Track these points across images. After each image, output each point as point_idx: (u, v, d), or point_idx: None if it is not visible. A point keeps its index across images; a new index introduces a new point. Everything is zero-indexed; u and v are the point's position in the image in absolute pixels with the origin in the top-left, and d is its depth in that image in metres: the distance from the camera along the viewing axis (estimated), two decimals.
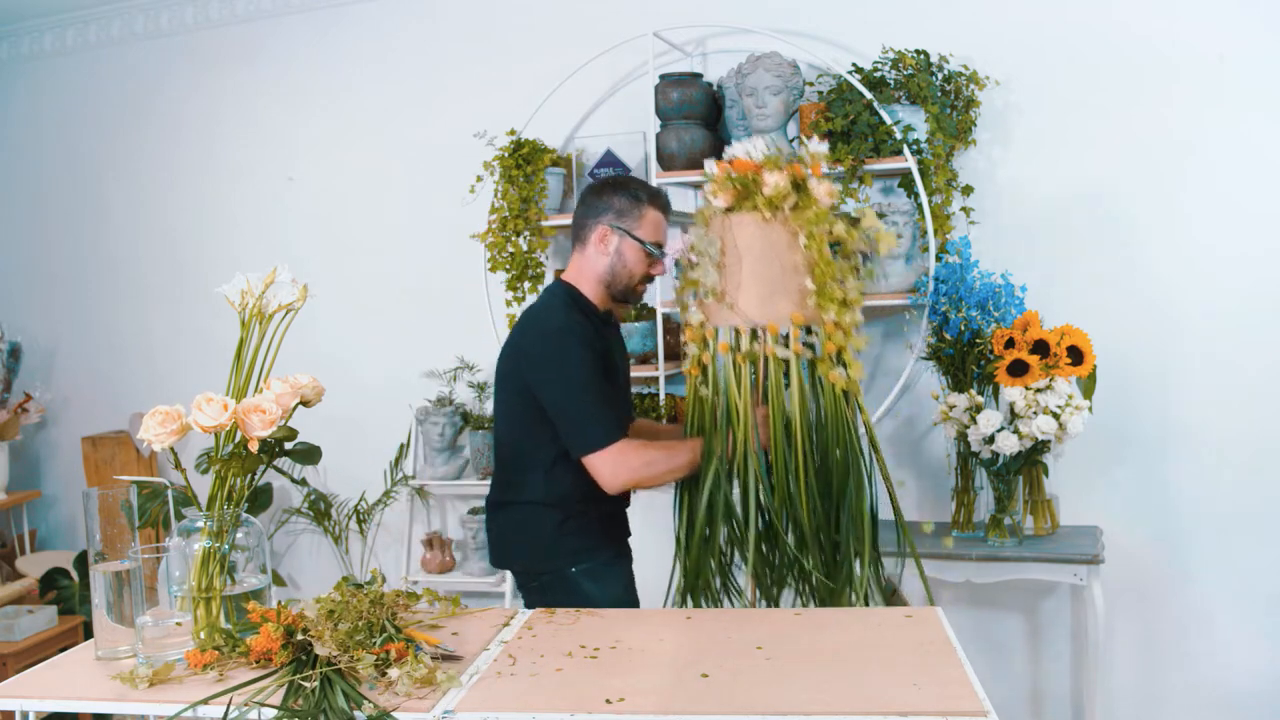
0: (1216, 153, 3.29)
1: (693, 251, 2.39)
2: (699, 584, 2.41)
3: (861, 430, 2.39)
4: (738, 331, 2.33)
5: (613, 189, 2.59)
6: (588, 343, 2.47)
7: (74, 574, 4.37)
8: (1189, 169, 3.32)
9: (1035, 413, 3.01)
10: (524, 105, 3.77)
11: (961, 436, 3.15)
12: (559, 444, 2.47)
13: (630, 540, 2.75)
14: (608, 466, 2.39)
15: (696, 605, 2.44)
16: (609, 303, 2.64)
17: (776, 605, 2.44)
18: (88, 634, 2.98)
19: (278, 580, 4.30)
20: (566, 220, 3.38)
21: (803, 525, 2.30)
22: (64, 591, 4.32)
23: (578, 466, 2.44)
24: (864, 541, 2.31)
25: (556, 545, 2.54)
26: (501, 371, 2.60)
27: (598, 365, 2.47)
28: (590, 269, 2.59)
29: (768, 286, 2.30)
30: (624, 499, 2.64)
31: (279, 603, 1.90)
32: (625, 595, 2.61)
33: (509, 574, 3.85)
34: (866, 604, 2.27)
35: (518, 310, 3.76)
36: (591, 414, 2.42)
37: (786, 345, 2.31)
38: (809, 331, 2.33)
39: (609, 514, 2.63)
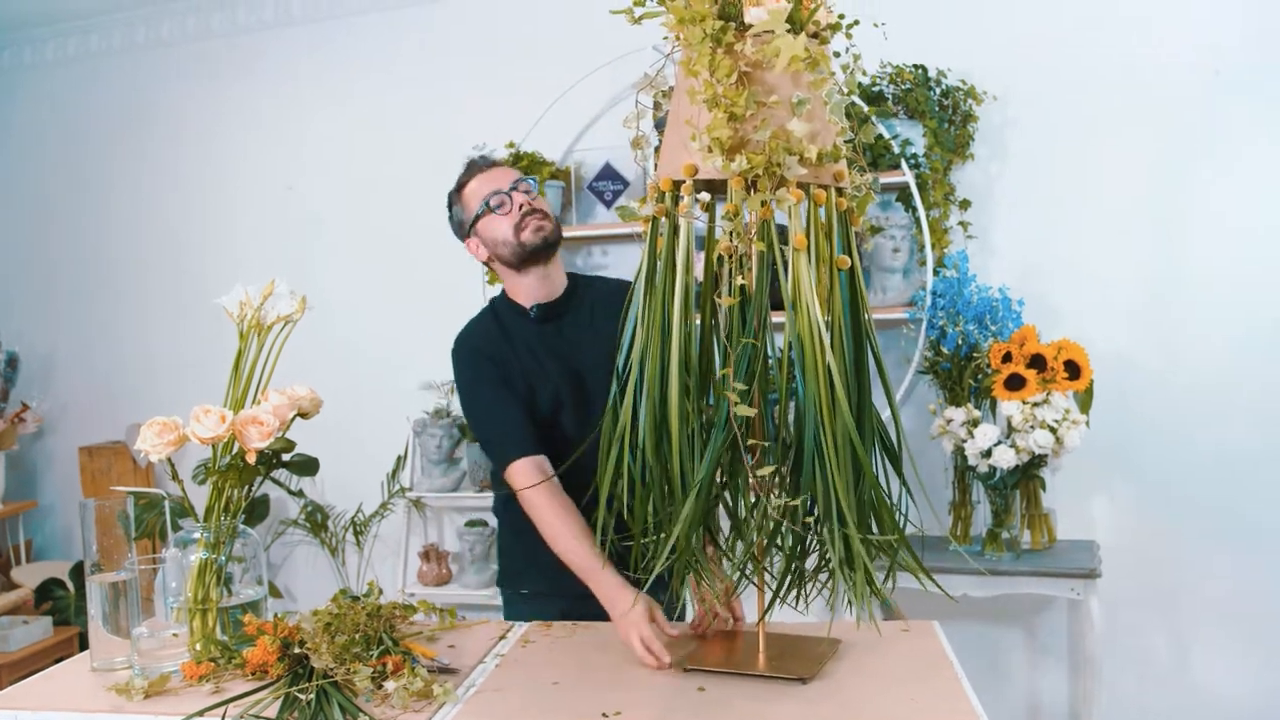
0: (1213, 167, 3.31)
1: None
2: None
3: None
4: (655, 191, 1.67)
5: (448, 211, 2.38)
6: (481, 352, 2.26)
7: (70, 585, 4.36)
8: (1186, 183, 3.34)
9: (1032, 427, 3.02)
10: (524, 117, 3.78)
11: (959, 450, 3.15)
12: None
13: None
14: (512, 486, 2.16)
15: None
16: (544, 289, 2.29)
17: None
18: (83, 645, 2.97)
19: (274, 592, 4.29)
20: (566, 233, 3.38)
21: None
22: (60, 602, 4.31)
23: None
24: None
25: (500, 562, 2.44)
26: None
27: (489, 376, 2.23)
28: (499, 274, 2.36)
29: (676, 133, 1.66)
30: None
31: (275, 615, 1.90)
32: None
33: None
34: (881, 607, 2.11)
35: None
36: (484, 435, 2.25)
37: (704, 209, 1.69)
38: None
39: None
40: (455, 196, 2.33)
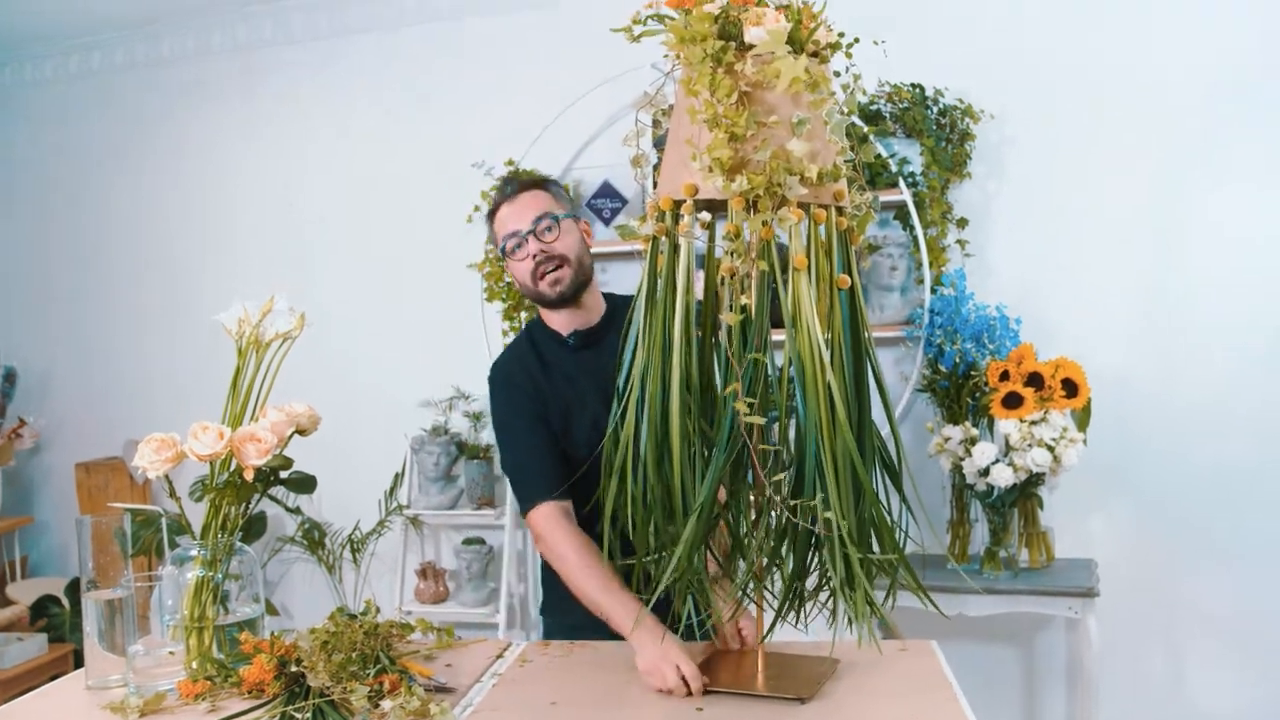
0: (1210, 185, 3.32)
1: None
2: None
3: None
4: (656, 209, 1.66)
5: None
6: (517, 386, 2.20)
7: (65, 601, 4.35)
8: (1183, 201, 3.35)
9: (1030, 445, 3.02)
10: (523, 135, 3.80)
11: (957, 469, 3.15)
12: None
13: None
14: (534, 532, 2.14)
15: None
16: (579, 318, 2.24)
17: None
18: (78, 662, 2.96)
19: (271, 610, 4.27)
20: None
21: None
22: (55, 619, 4.29)
23: None
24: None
25: (543, 591, 2.36)
26: None
27: (524, 410, 2.18)
28: None
29: (676, 152, 1.66)
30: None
31: (272, 633, 1.89)
32: None
33: (502, 605, 3.84)
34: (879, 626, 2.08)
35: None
36: (514, 470, 2.20)
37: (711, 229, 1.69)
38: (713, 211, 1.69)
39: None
40: (489, 219, 2.27)
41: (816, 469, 1.53)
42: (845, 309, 1.61)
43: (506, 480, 3.91)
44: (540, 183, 2.24)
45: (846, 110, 1.58)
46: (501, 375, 2.25)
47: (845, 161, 1.62)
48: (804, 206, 1.56)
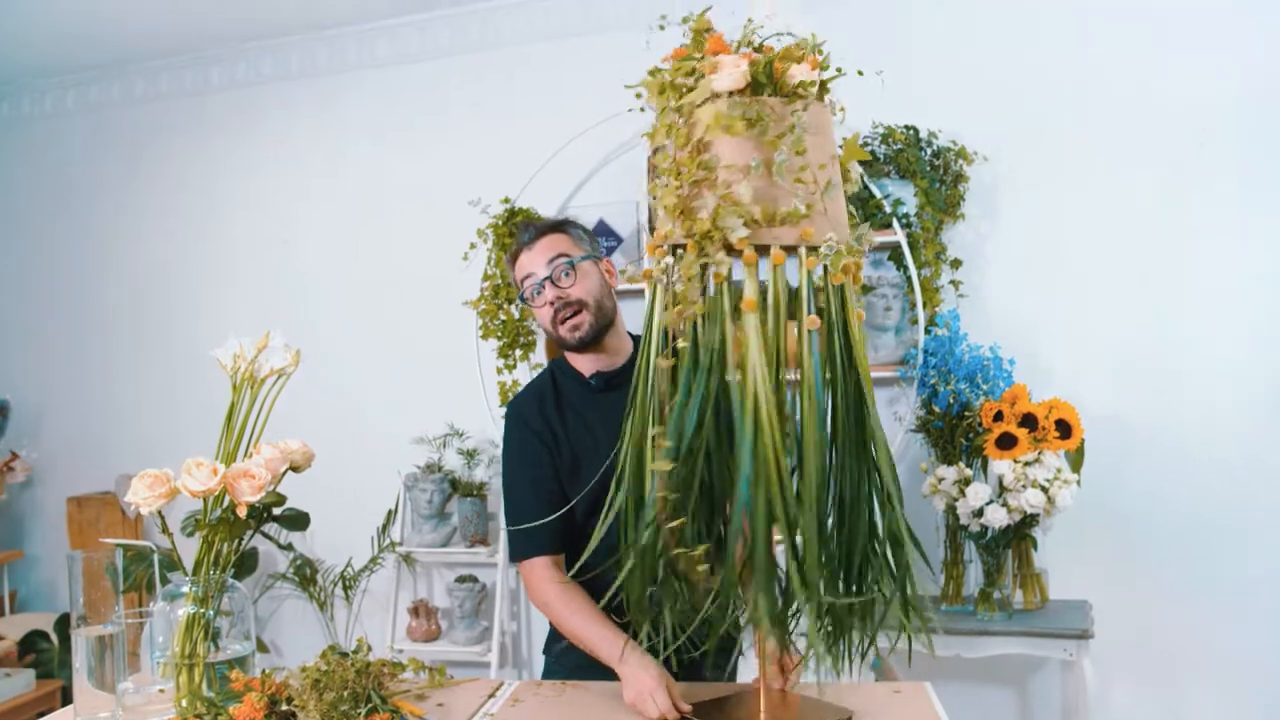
0: (1203, 226, 3.35)
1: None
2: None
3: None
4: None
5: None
6: (531, 429, 2.18)
7: (54, 637, 4.31)
8: (1176, 242, 3.37)
9: (1024, 486, 3.02)
10: (518, 173, 3.81)
11: (950, 509, 3.15)
12: None
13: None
14: (524, 580, 2.16)
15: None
16: (603, 360, 2.21)
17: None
18: (66, 699, 2.94)
19: (261, 647, 4.25)
20: None
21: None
22: (43, 655, 4.26)
23: None
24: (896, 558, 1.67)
25: (537, 628, 2.39)
26: None
27: (531, 457, 2.16)
28: None
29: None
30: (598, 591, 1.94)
31: (263, 670, 1.88)
32: None
33: (495, 643, 3.82)
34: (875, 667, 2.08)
35: (508, 378, 3.78)
36: (511, 516, 2.17)
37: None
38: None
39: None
40: (510, 264, 2.24)
41: (750, 512, 1.50)
42: (842, 351, 1.59)
43: (500, 518, 3.92)
44: (558, 225, 2.21)
45: (797, 150, 1.57)
46: (516, 413, 2.22)
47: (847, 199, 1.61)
48: (764, 248, 1.55)
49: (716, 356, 1.54)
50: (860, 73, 1.76)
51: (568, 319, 2.13)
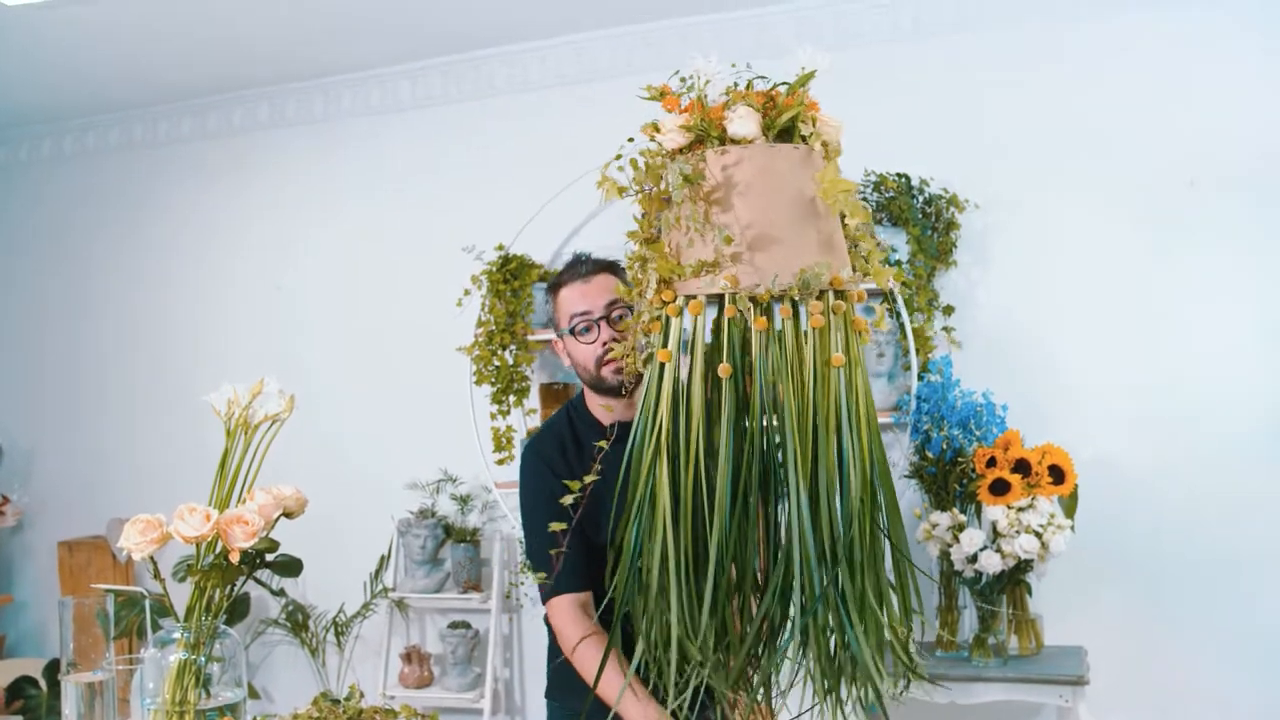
0: (1195, 271, 3.37)
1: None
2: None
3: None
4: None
5: (546, 296, 2.31)
6: (549, 465, 2.16)
7: (43, 683, 4.27)
8: (1168, 288, 3.39)
9: (1018, 532, 3.02)
10: (513, 219, 3.83)
11: (944, 555, 3.14)
12: None
13: None
14: (550, 620, 2.13)
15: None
16: (625, 410, 2.13)
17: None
18: None
19: (253, 693, 4.21)
20: (552, 335, 3.41)
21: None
22: (31, 701, 4.22)
23: None
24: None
25: (548, 671, 2.29)
26: None
27: (549, 495, 2.08)
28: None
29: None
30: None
31: (254, 717, 1.87)
32: None
33: (488, 690, 3.79)
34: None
35: (502, 424, 3.76)
36: (535, 557, 2.14)
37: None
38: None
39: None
40: (551, 293, 2.22)
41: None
42: (842, 390, 1.61)
43: (494, 564, 3.91)
44: (613, 266, 2.19)
45: (710, 201, 1.66)
46: (533, 454, 2.21)
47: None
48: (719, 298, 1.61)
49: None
50: (814, 120, 1.79)
51: (613, 360, 2.08)
